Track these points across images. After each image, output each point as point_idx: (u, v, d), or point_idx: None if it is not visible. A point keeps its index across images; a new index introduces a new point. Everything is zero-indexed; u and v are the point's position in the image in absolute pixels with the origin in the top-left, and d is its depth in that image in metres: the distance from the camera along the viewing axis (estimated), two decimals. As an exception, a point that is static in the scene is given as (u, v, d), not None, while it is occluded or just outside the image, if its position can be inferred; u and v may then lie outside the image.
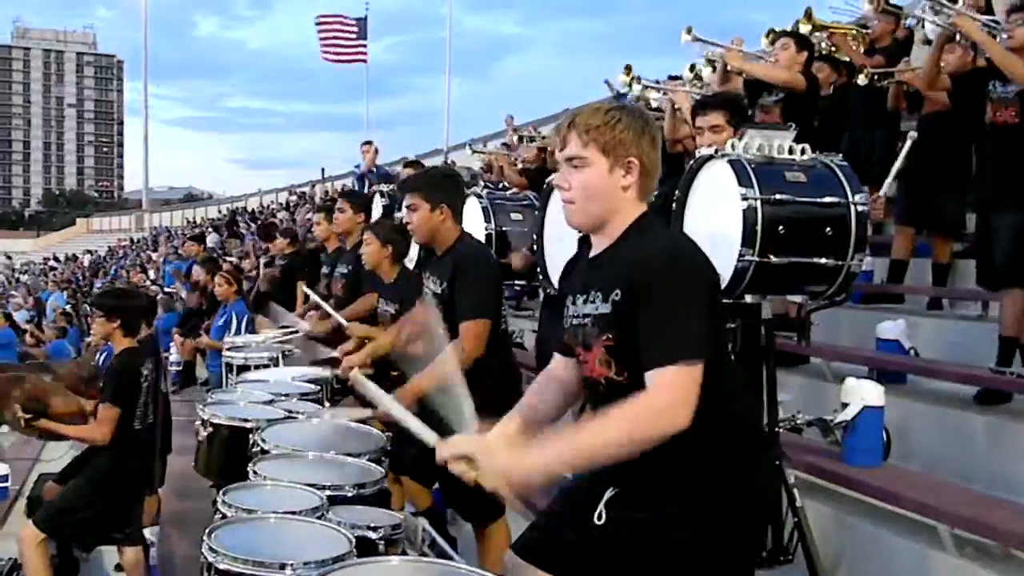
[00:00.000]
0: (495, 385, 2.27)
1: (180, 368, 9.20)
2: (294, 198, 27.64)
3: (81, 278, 28.61)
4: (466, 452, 1.94)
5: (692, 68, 6.98)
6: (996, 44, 4.39)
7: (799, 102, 5.09)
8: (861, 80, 5.94)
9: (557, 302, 2.25)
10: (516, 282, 5.29)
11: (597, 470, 2.03)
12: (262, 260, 9.57)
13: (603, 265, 2.01)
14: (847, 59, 6.54)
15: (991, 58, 4.43)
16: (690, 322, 1.85)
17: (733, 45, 5.86)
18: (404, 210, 3.53)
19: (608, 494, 2.01)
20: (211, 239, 20.92)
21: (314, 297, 4.97)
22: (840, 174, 3.49)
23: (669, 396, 1.82)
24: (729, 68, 5.43)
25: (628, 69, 6.95)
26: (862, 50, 6.36)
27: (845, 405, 3.78)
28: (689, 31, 5.98)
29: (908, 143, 4.13)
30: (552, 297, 4.99)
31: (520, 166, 8.80)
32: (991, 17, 4.75)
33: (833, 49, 6.68)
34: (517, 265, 5.00)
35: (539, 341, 4.83)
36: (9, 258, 46.48)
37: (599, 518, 2.00)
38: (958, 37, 4.92)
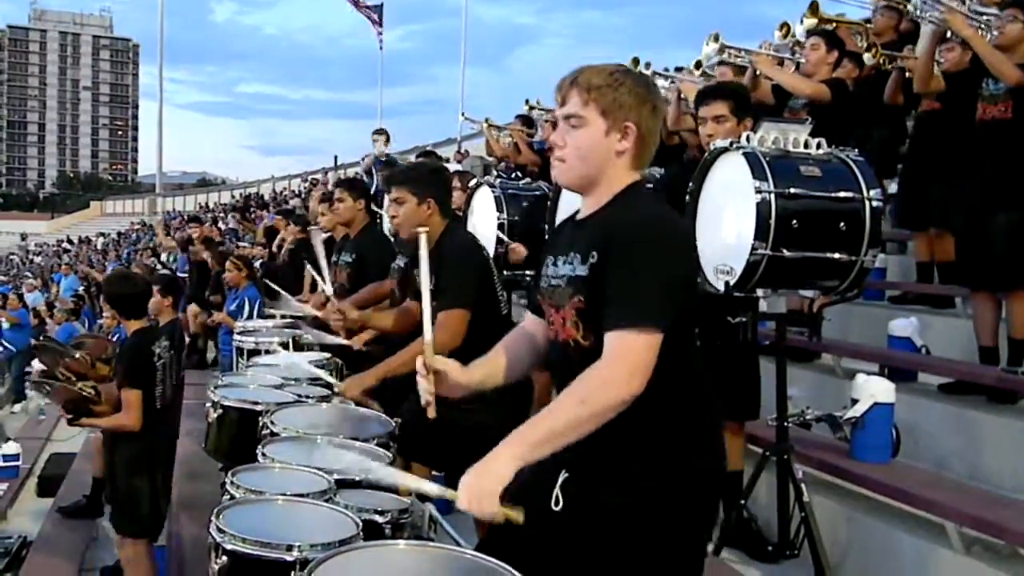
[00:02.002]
0: None
1: (189, 344, 9.27)
2: (307, 185, 27.69)
3: (94, 261, 28.74)
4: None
5: (698, 64, 6.95)
6: (985, 43, 4.34)
7: (825, 108, 5.04)
8: (868, 59, 5.89)
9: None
10: (525, 272, 5.27)
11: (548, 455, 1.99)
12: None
13: (586, 228, 1.99)
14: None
15: (980, 57, 4.38)
16: (656, 291, 1.82)
17: (763, 50, 5.80)
18: (390, 203, 3.51)
19: (562, 478, 1.99)
20: (232, 219, 21.02)
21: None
22: (855, 169, 3.47)
23: (622, 365, 1.79)
24: (758, 73, 5.38)
25: (635, 61, 6.95)
26: (866, 45, 6.30)
27: (855, 401, 3.77)
28: (716, 38, 5.90)
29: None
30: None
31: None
32: (988, 10, 4.66)
33: None
34: (511, 259, 5.01)
35: None
36: (24, 238, 46.80)
37: (556, 503, 1.99)
38: (949, 34, 4.87)
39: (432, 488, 1.97)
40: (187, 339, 9.28)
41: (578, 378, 1.84)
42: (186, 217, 20.22)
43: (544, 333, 2.15)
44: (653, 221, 1.91)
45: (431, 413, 2.15)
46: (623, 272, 1.84)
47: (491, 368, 2.19)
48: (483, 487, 1.79)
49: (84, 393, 4.50)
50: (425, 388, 2.13)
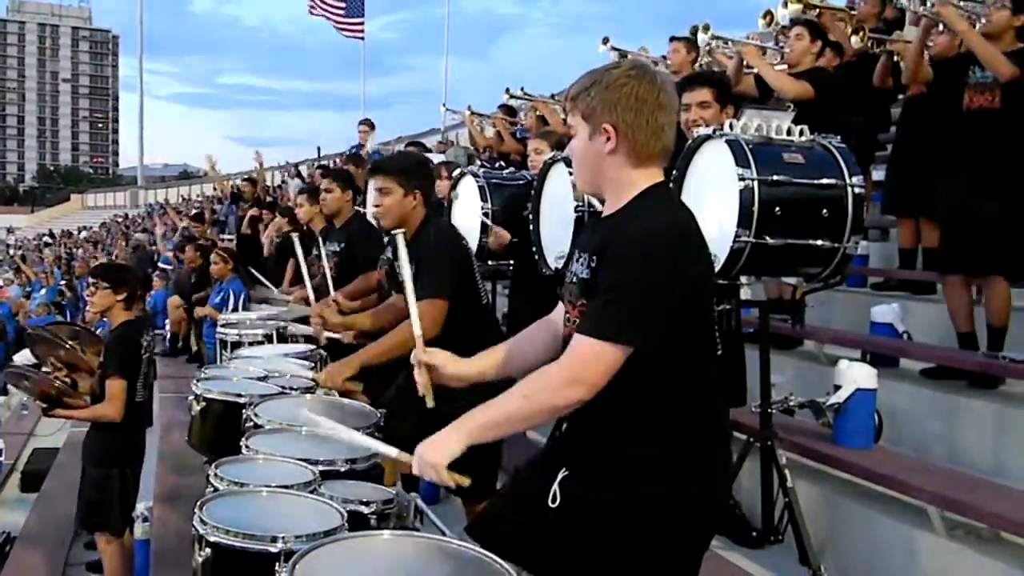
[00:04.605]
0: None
1: (169, 335, 9.23)
2: (287, 173, 27.46)
3: (75, 254, 28.44)
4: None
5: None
6: (979, 38, 4.35)
7: (810, 103, 5.02)
8: (855, 42, 5.91)
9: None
10: (508, 262, 5.25)
11: (551, 451, 2.09)
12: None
13: (599, 230, 2.01)
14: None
15: (973, 52, 4.40)
16: (626, 307, 1.82)
17: (751, 41, 5.80)
18: (374, 193, 3.52)
19: (561, 475, 2.01)
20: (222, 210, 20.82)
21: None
22: (838, 156, 3.49)
23: (567, 369, 1.85)
24: (745, 64, 5.36)
25: (605, 40, 6.98)
26: (849, 31, 6.32)
27: (838, 387, 3.80)
28: (707, 29, 5.88)
29: None
30: (523, 283, 4.97)
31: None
32: None
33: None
34: (493, 245, 5.00)
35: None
36: (11, 232, 46.33)
37: (553, 500, 2.00)
38: (941, 27, 4.89)
39: (390, 451, 2.11)
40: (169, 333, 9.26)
41: (532, 373, 1.91)
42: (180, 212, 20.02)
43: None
44: (650, 231, 1.87)
45: (429, 403, 2.23)
46: (603, 279, 1.87)
47: (494, 359, 2.25)
48: (431, 460, 1.92)
49: (57, 384, 4.46)
50: (421, 381, 2.22)
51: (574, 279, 2.01)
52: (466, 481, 1.92)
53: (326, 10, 26.37)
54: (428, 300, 3.23)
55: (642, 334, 1.83)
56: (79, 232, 37.44)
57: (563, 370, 1.86)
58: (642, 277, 1.83)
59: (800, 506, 3.51)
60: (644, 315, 1.83)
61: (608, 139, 1.95)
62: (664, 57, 6.77)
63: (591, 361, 1.83)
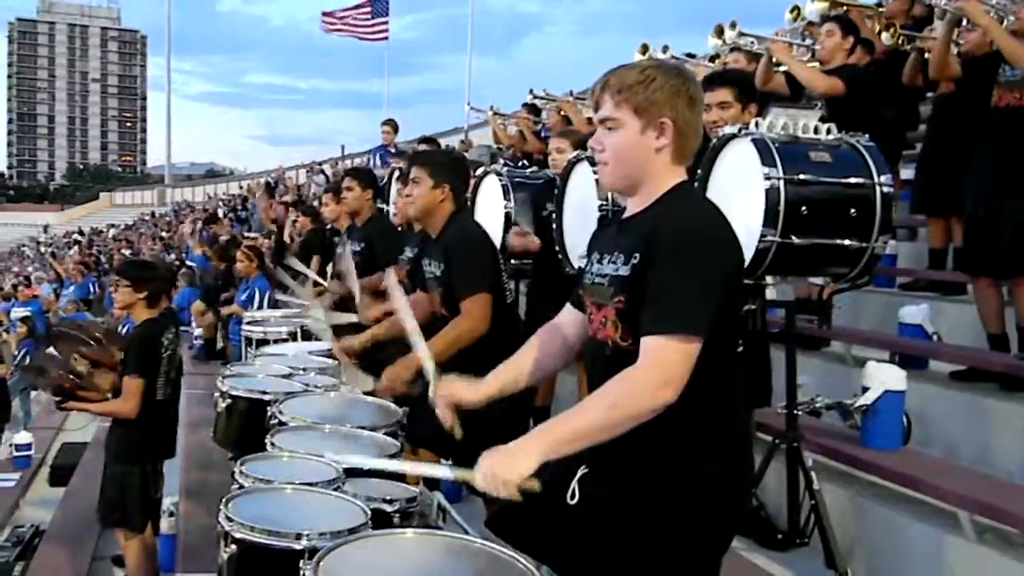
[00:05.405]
0: (502, 359, 2.27)
1: (202, 342, 9.26)
2: (309, 173, 27.63)
3: (104, 252, 28.80)
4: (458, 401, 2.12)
5: (714, 59, 6.92)
6: (1003, 32, 4.27)
7: (841, 100, 4.92)
8: (886, 38, 5.84)
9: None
10: (529, 261, 5.25)
11: None
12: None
13: (631, 228, 1.97)
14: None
15: (997, 47, 4.33)
16: (695, 297, 1.80)
17: (779, 38, 5.75)
18: (408, 183, 3.55)
19: (580, 472, 2.00)
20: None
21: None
22: (866, 154, 3.45)
23: (656, 373, 1.78)
24: (774, 60, 5.31)
25: (644, 48, 6.94)
26: (878, 29, 6.24)
27: (865, 389, 3.75)
28: (733, 26, 5.84)
29: None
30: (544, 284, 4.95)
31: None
32: None
33: None
34: (512, 244, 4.98)
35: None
36: (45, 230, 47.04)
37: (572, 497, 1.99)
38: (965, 22, 4.81)
39: (446, 473, 2.02)
40: (194, 335, 9.33)
41: (611, 381, 1.83)
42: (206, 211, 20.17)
43: (581, 327, 2.15)
44: (696, 223, 1.89)
45: (458, 434, 2.15)
46: (663, 275, 1.82)
47: (514, 373, 2.20)
48: (504, 477, 1.81)
49: (72, 377, 4.49)
50: (447, 416, 2.16)
51: (603, 280, 1.97)
52: (537, 486, 1.82)
53: (344, 22, 26.37)
54: (472, 297, 3.23)
55: (708, 323, 1.81)
56: (108, 230, 37.91)
57: (655, 372, 1.78)
58: (702, 264, 1.82)
59: (826, 508, 3.47)
60: (707, 303, 1.82)
61: (661, 134, 1.93)
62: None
63: (679, 358, 1.78)
